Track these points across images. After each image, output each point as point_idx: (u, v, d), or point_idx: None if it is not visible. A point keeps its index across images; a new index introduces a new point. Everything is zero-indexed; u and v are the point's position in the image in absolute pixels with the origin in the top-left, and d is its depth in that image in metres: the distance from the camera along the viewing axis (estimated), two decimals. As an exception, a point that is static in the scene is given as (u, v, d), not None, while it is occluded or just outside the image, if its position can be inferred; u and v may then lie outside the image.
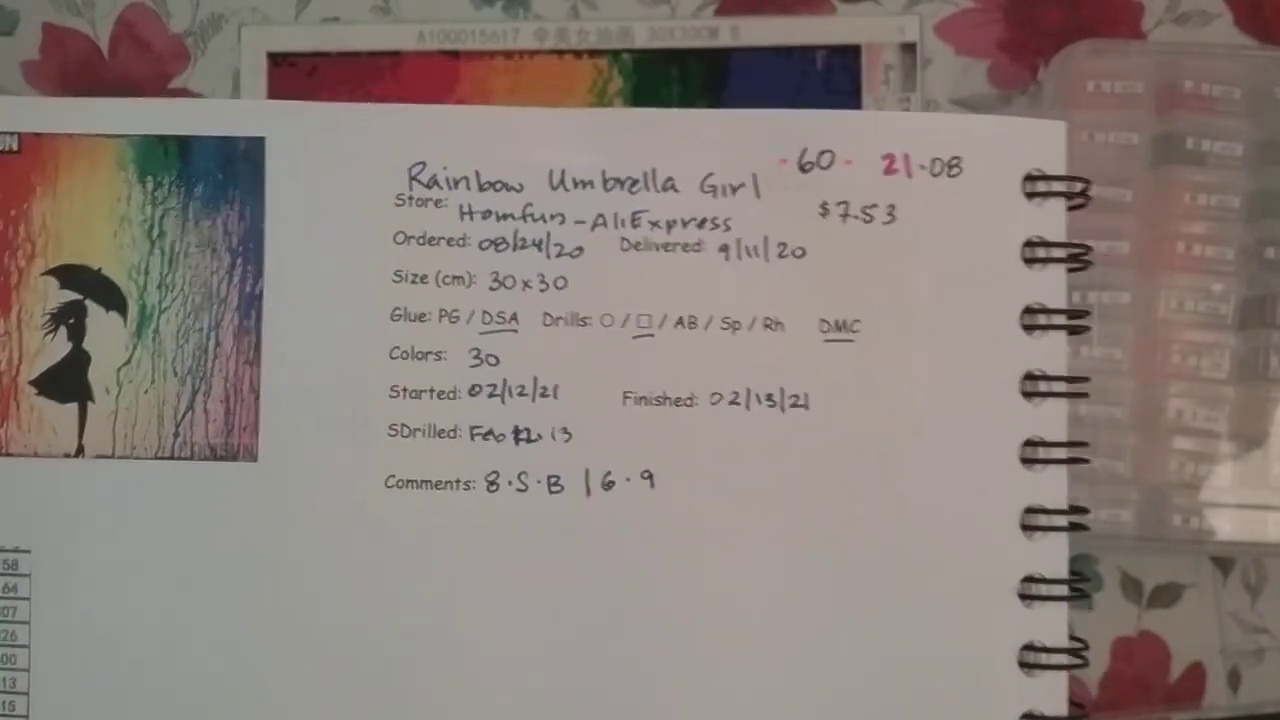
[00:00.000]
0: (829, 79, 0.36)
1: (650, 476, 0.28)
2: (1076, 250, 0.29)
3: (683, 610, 0.28)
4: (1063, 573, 0.28)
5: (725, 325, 0.29)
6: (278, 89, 0.35)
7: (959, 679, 0.28)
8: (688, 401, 0.28)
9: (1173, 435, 0.35)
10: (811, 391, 0.28)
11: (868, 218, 0.29)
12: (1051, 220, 0.29)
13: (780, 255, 0.29)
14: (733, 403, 0.28)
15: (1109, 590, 0.36)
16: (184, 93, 0.34)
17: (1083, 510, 0.29)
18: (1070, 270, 0.29)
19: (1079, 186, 0.29)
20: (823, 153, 0.29)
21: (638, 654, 0.28)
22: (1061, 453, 0.29)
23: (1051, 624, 0.28)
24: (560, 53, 0.36)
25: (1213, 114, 0.35)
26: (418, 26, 0.36)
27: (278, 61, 0.36)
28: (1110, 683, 0.36)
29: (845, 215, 0.29)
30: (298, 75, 0.35)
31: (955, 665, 0.28)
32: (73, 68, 0.35)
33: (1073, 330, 0.29)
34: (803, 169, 0.29)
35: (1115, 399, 0.35)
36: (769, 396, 0.28)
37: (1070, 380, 0.29)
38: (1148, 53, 0.36)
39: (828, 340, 0.29)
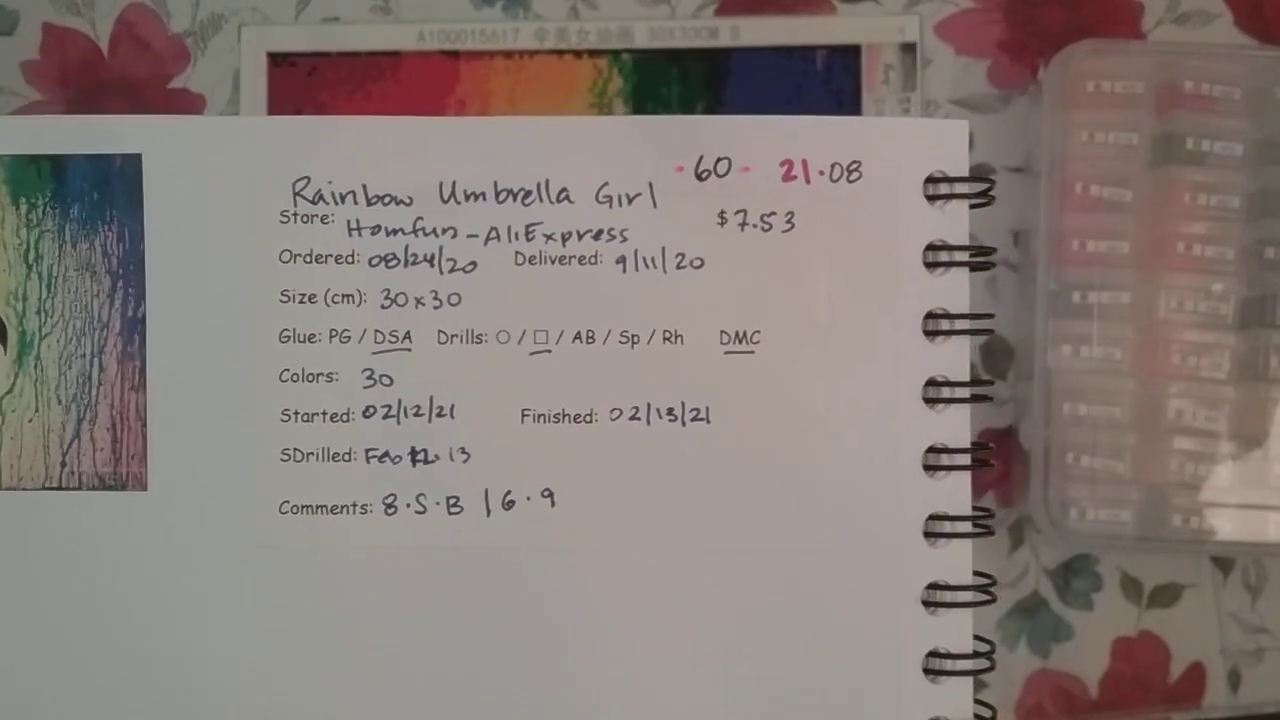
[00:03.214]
0: (829, 79, 0.35)
1: (551, 495, 0.28)
2: (978, 253, 0.29)
3: (586, 629, 0.28)
4: (967, 579, 0.28)
5: (623, 339, 0.28)
6: (278, 89, 0.35)
7: (865, 687, 0.28)
8: (587, 418, 0.28)
9: (1173, 435, 0.35)
10: (713, 404, 0.28)
11: (766, 226, 0.28)
12: (954, 223, 0.28)
13: (678, 266, 0.28)
14: (633, 418, 0.28)
15: (1109, 590, 0.36)
16: (184, 93, 0.34)
17: (987, 513, 0.29)
18: (973, 271, 0.29)
19: (981, 187, 0.29)
20: (719, 160, 0.28)
21: (542, 673, 0.28)
22: (965, 458, 0.28)
23: (957, 630, 0.28)
24: (560, 53, 0.36)
25: (1213, 114, 0.35)
26: (418, 26, 0.36)
27: (278, 61, 0.36)
28: (1110, 683, 0.36)
29: (744, 224, 0.28)
30: (298, 75, 0.35)
31: (861, 674, 0.28)
32: (73, 68, 0.35)
33: (975, 333, 0.29)
34: (699, 177, 0.28)
35: (1115, 399, 0.35)
36: (669, 411, 0.28)
37: (974, 385, 0.28)
38: (1148, 53, 0.36)
39: (728, 352, 0.28)
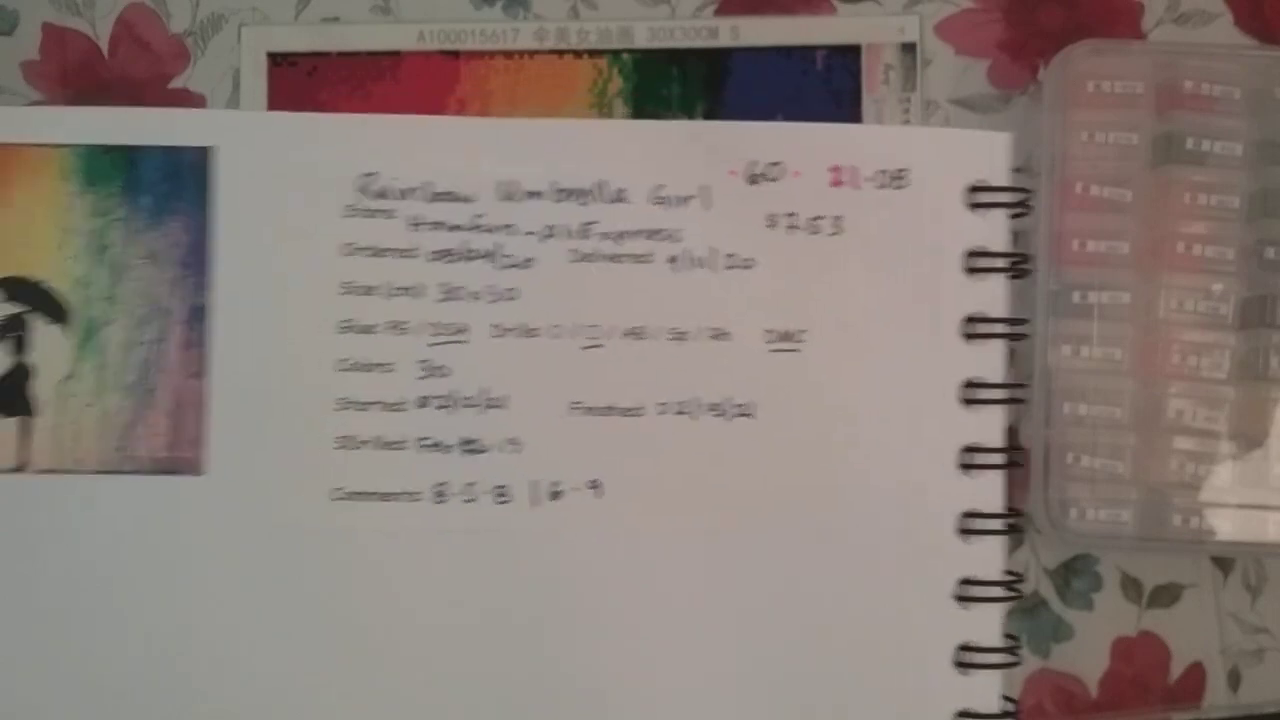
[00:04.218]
0: (829, 79, 0.36)
1: (597, 486, 0.29)
2: (1017, 259, 0.30)
3: (629, 618, 0.29)
4: (998, 575, 0.29)
5: (673, 336, 0.29)
6: (278, 89, 0.35)
7: (896, 678, 0.29)
8: (635, 411, 0.29)
9: (1173, 435, 0.34)
10: (757, 400, 0.29)
11: (815, 229, 0.29)
12: (994, 230, 0.30)
13: (728, 266, 0.29)
14: (679, 412, 0.29)
15: (1109, 590, 0.36)
16: (184, 93, 0.34)
17: (1018, 514, 0.30)
18: (1011, 279, 0.30)
19: (1020, 197, 0.30)
20: (771, 164, 0.29)
21: (586, 660, 0.29)
22: (998, 458, 0.29)
23: (986, 625, 0.29)
24: (560, 53, 0.36)
25: (1213, 114, 0.35)
26: (418, 26, 0.36)
27: (278, 61, 0.36)
28: (1110, 683, 0.36)
29: (793, 226, 0.29)
30: (298, 75, 0.35)
31: (893, 665, 0.29)
32: (73, 68, 0.35)
33: (1012, 338, 0.30)
34: (751, 180, 0.29)
35: (1115, 399, 0.34)
36: (715, 406, 0.29)
37: (1010, 386, 0.30)
38: (1148, 53, 0.36)
39: (773, 350, 0.29)
